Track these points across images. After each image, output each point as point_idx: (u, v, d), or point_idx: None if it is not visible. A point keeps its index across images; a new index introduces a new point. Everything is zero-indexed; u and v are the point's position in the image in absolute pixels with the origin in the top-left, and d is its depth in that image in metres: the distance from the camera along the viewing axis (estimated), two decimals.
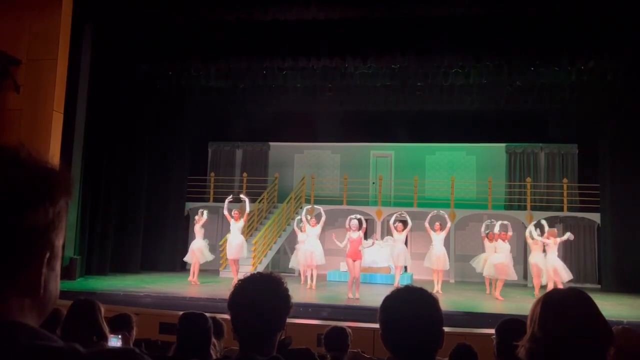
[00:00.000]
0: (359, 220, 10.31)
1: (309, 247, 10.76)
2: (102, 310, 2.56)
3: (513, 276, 10.52)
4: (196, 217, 11.85)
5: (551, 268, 10.01)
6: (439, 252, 11.02)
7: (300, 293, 10.03)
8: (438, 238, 11.07)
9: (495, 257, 10.51)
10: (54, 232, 0.75)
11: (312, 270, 10.87)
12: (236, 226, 10.85)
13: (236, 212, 11.14)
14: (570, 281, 10.12)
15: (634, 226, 12.32)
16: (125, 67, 12.30)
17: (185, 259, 12.03)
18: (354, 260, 9.76)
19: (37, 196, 0.72)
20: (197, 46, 11.67)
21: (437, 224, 11.22)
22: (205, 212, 11.69)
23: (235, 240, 10.77)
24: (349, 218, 10.44)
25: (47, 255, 0.74)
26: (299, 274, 11.93)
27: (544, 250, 10.39)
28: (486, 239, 11.17)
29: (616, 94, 12.68)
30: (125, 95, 12.81)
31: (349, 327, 4.42)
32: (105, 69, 11.81)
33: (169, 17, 10.96)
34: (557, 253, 10.34)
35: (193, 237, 11.69)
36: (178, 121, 14.76)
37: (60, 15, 9.82)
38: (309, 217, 11.24)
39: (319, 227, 10.93)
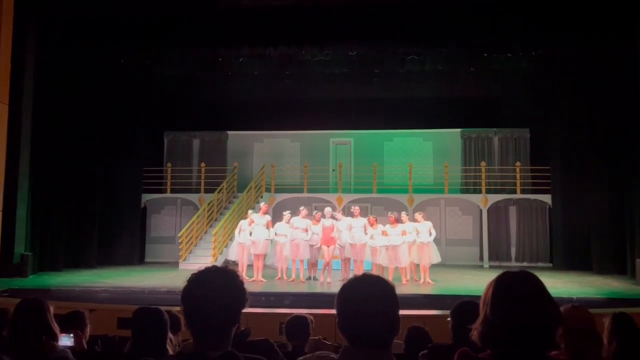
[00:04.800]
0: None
1: (296, 240, 10.24)
2: (52, 309, 2.47)
3: (401, 262, 10.07)
4: (263, 205, 11.08)
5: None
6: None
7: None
8: (393, 232, 10.13)
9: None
10: None
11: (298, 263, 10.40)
12: (261, 221, 10.54)
13: (265, 205, 10.98)
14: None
15: (583, 207, 12.81)
16: (75, 57, 11.84)
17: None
18: (328, 246, 10.22)
19: None
20: (150, 35, 11.35)
21: (392, 216, 10.30)
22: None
23: (260, 235, 10.42)
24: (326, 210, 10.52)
25: None
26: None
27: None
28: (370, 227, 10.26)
29: (565, 80, 13.11)
30: (76, 86, 12.31)
31: (311, 313, 4.44)
32: (53, 59, 11.34)
33: (119, 6, 10.59)
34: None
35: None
36: (131, 111, 14.33)
37: (1, 5, 9.34)
38: (301, 208, 10.60)
39: (307, 221, 10.34)
